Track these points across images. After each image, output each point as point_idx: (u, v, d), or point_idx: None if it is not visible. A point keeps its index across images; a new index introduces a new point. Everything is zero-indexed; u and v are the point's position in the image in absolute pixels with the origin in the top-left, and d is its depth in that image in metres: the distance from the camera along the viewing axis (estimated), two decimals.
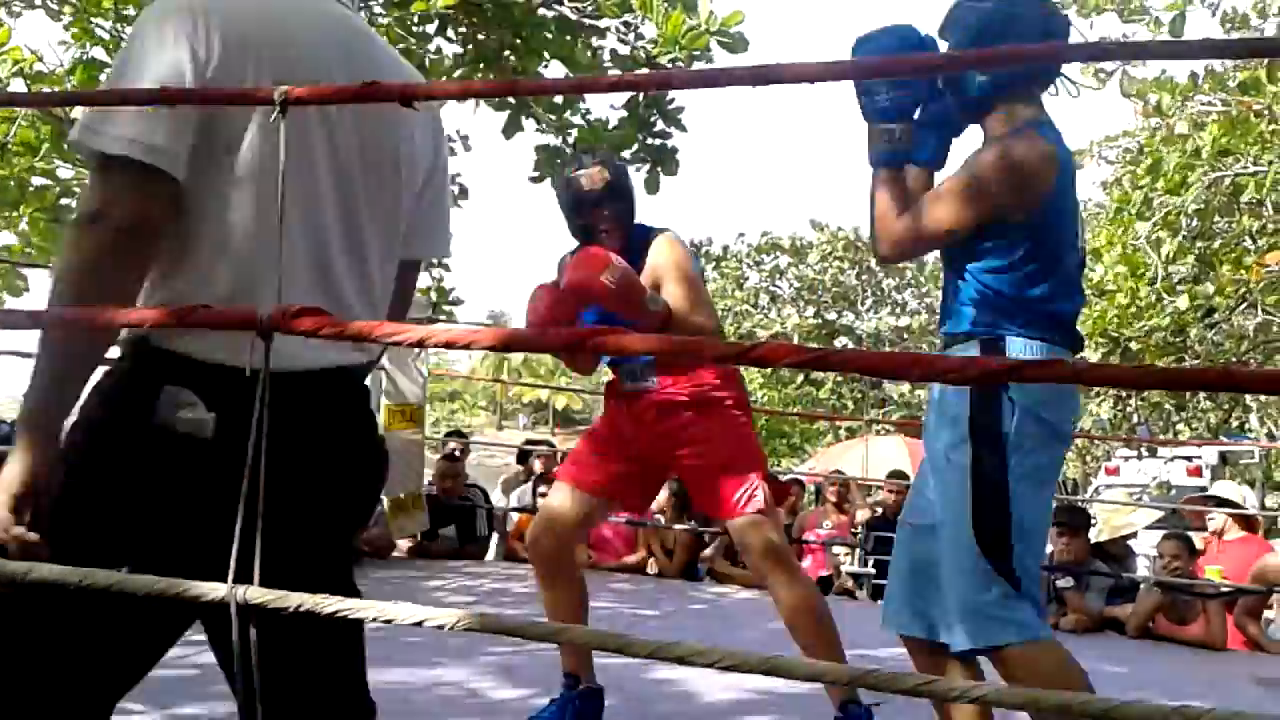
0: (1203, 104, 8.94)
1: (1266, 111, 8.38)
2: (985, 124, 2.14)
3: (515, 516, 6.70)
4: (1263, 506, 9.39)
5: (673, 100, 6.77)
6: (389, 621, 1.07)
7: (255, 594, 1.16)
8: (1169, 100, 8.73)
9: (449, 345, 1.03)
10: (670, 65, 6.21)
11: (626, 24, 6.67)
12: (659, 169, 6.85)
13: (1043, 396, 1.99)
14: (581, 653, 2.92)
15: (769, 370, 22.10)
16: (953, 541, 2.03)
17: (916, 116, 2.13)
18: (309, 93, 1.15)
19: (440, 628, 1.04)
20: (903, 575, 2.24)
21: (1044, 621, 2.09)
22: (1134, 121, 10.17)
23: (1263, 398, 11.49)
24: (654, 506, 6.81)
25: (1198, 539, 5.74)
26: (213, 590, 1.21)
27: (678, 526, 6.36)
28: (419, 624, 1.05)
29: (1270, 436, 10.79)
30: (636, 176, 6.90)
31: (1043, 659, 2.00)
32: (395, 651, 3.52)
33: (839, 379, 25.56)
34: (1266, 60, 8.13)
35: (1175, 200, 8.78)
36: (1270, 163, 8.50)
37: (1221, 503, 6.09)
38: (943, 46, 2.11)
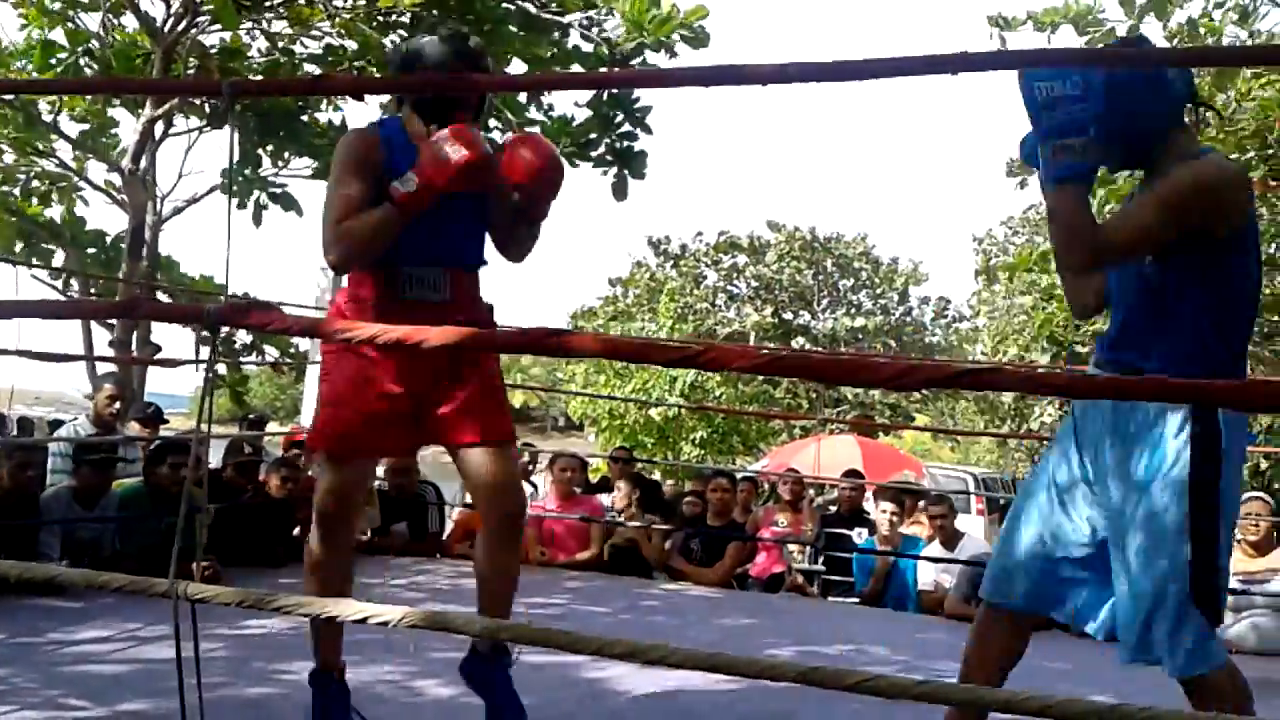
0: None
1: (1216, 119, 8.52)
2: (1156, 164, 2.23)
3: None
4: None
5: (638, 99, 6.76)
6: (334, 618, 1.07)
7: (197, 589, 1.15)
8: None
9: (400, 344, 1.03)
10: (635, 52, 6.20)
11: (590, 19, 6.66)
12: (626, 172, 6.83)
13: (1232, 441, 2.13)
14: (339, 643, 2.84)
15: None
16: (1157, 559, 2.12)
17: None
18: (257, 85, 1.13)
19: (385, 624, 1.04)
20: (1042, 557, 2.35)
21: (1222, 650, 2.22)
22: None
23: None
24: (610, 503, 6.83)
25: None
26: (155, 585, 1.19)
27: (633, 524, 6.36)
28: (363, 621, 1.05)
29: None
30: (603, 180, 6.89)
31: (1226, 682, 2.15)
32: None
33: (793, 378, 25.70)
34: (1214, 70, 8.28)
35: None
36: None
37: None
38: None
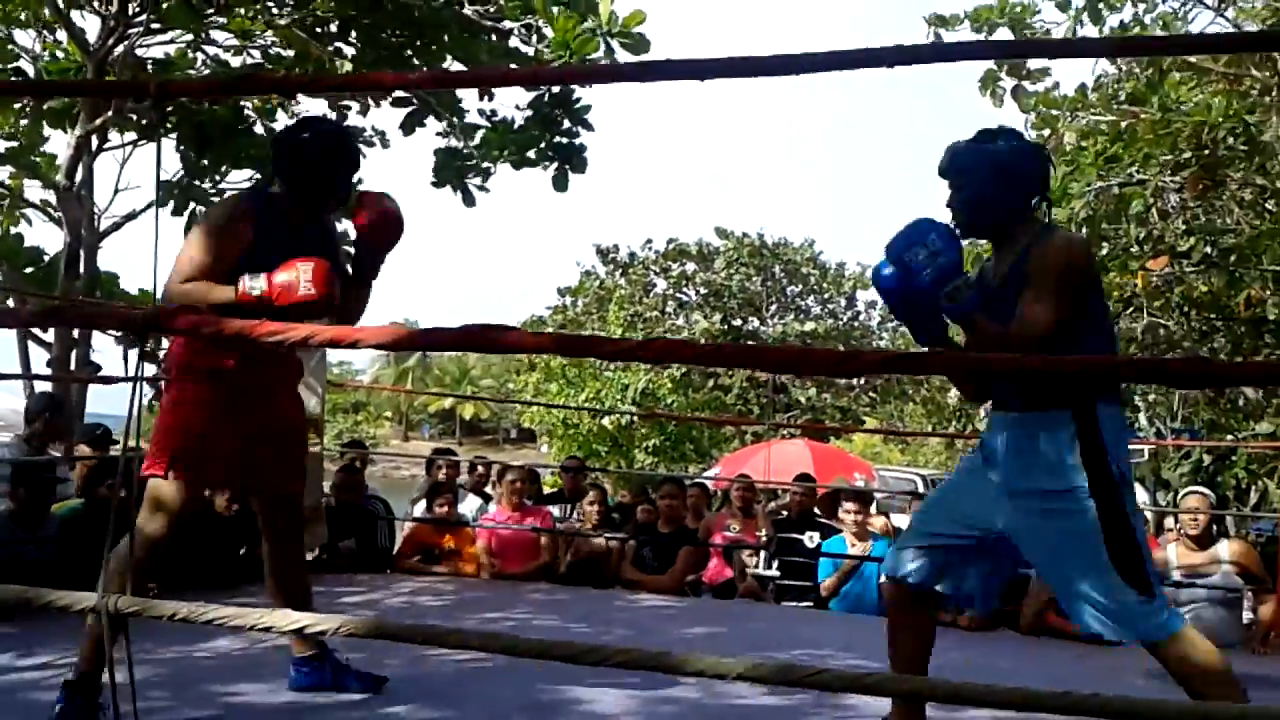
0: (1093, 113, 9.23)
1: (1154, 122, 8.68)
2: (1009, 240, 2.73)
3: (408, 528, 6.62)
4: (1153, 503, 9.69)
5: (579, 99, 6.74)
6: (268, 629, 1.04)
7: (126, 603, 1.12)
8: (1058, 112, 9.00)
9: (333, 344, 1.01)
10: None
11: (528, 26, 6.64)
12: (567, 167, 6.81)
13: (1110, 415, 2.57)
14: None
15: (679, 375, 22.23)
16: (1085, 564, 2.51)
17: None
18: (183, 85, 1.10)
19: (323, 634, 1.01)
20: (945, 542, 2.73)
21: (1176, 615, 2.60)
22: (1027, 135, 10.46)
23: (1151, 396, 11.91)
24: (574, 513, 6.81)
25: None
26: (82, 600, 1.16)
27: (589, 534, 6.34)
28: (298, 631, 1.02)
29: (1159, 435, 11.15)
30: (543, 175, 6.87)
31: (1188, 644, 2.52)
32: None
33: (745, 384, 25.82)
34: (1151, 70, 8.44)
35: (1060, 211, 9.04)
36: (1155, 172, 8.81)
37: None
38: (944, 188, 2.75)
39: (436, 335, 1.00)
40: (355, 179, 3.18)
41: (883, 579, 2.86)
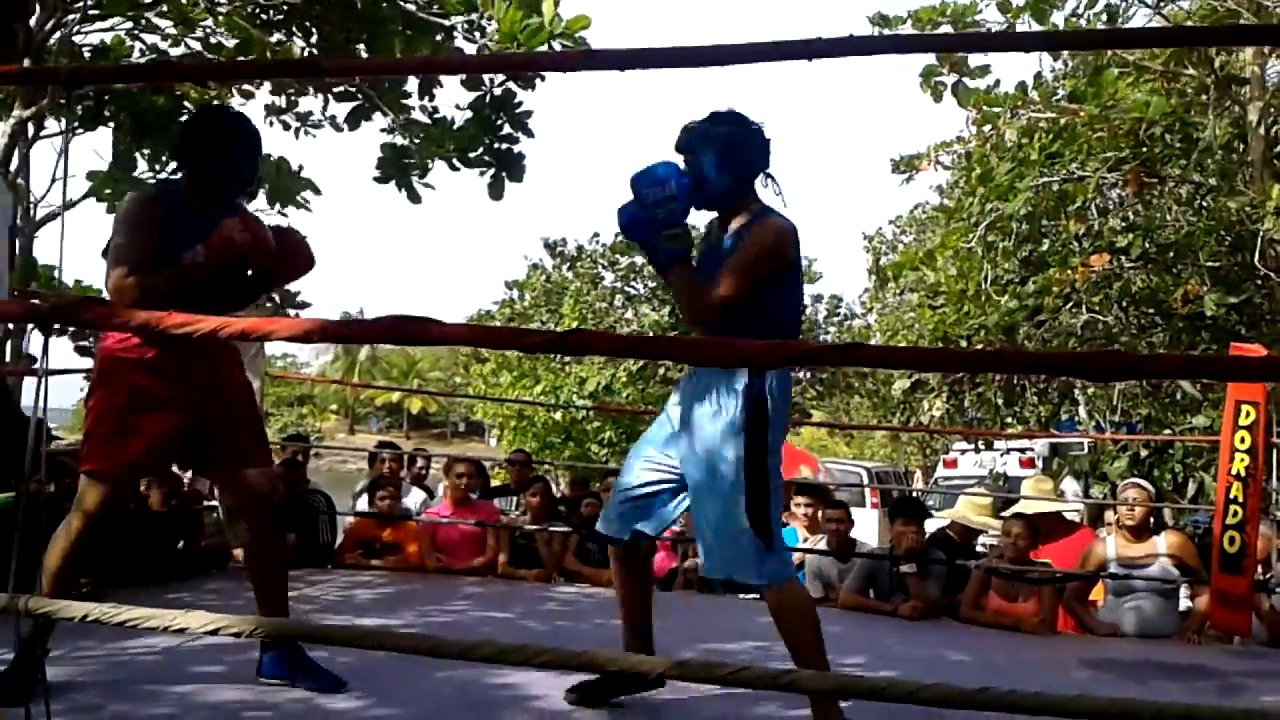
0: (1034, 109, 9.34)
1: (1092, 120, 8.80)
2: (730, 213, 3.02)
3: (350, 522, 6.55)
4: (1086, 496, 9.83)
5: (520, 104, 6.71)
6: (182, 631, 1.01)
7: (38, 604, 1.08)
8: (998, 110, 9.10)
9: (244, 335, 0.98)
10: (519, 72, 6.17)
11: (471, 22, 6.59)
12: (504, 174, 6.79)
13: (781, 385, 2.92)
14: None
15: (635, 368, 22.19)
16: (724, 503, 2.86)
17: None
18: (93, 70, 1.07)
19: (238, 635, 0.98)
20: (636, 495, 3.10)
21: (789, 569, 3.07)
22: (967, 129, 10.56)
23: (1090, 390, 12.08)
24: (520, 505, 6.76)
25: None
26: None
27: (532, 526, 6.30)
28: (214, 632, 1.00)
29: (1098, 428, 11.32)
30: (479, 181, 6.85)
31: (793, 596, 2.96)
32: (236, 667, 3.37)
33: None
34: (1094, 59, 8.55)
35: (1005, 206, 9.15)
36: (1095, 169, 8.94)
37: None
38: (680, 161, 2.97)
39: (354, 327, 0.98)
40: (256, 164, 3.28)
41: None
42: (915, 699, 0.88)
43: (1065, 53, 9.71)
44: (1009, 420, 11.08)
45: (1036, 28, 8.50)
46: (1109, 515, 7.08)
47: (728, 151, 2.96)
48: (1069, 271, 9.17)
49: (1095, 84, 8.53)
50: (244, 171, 3.17)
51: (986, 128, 9.48)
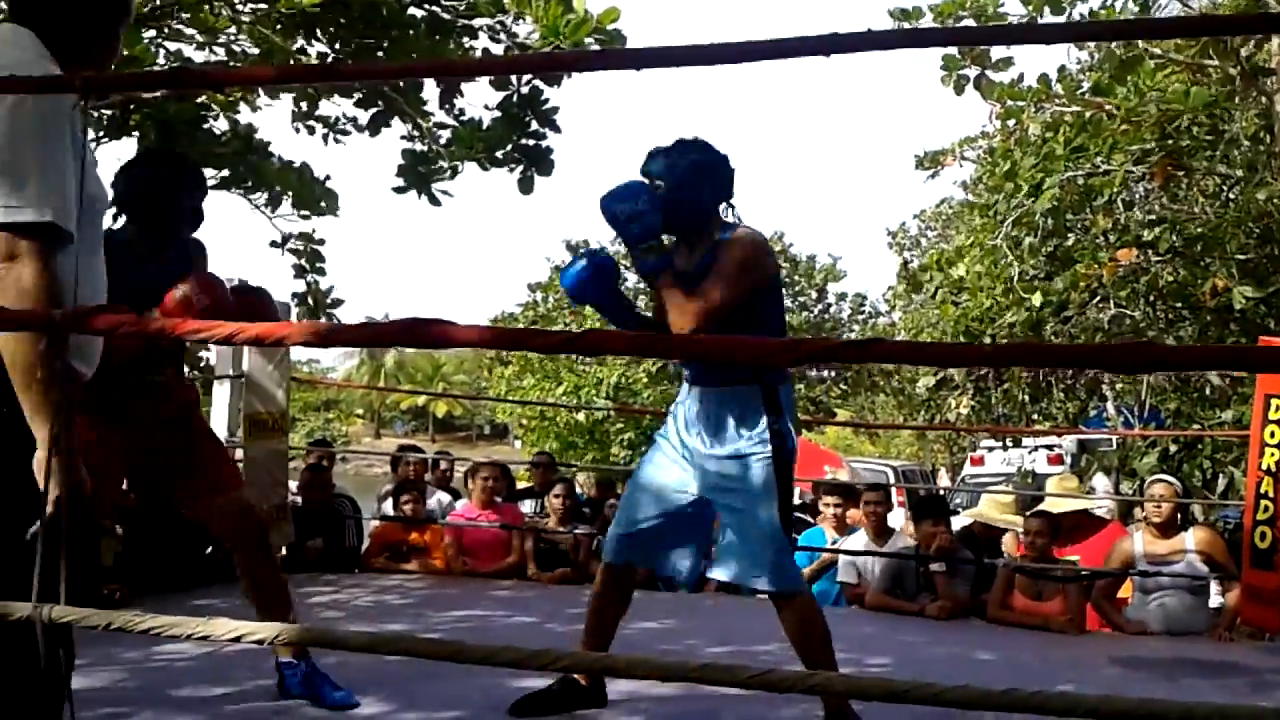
0: (1058, 104, 9.27)
1: (1117, 112, 8.72)
2: (696, 235, 3.09)
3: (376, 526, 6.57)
4: (1117, 492, 9.76)
5: (547, 100, 6.70)
6: (205, 638, 1.01)
7: (60, 612, 1.09)
8: (1022, 104, 9.03)
9: (258, 340, 0.98)
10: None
11: (500, 24, 6.58)
12: (533, 170, 6.79)
13: (788, 393, 3.06)
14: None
15: (654, 369, 22.17)
16: (760, 514, 2.94)
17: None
18: (111, 78, 1.08)
19: (260, 643, 0.98)
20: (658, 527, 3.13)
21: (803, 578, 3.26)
22: (991, 124, 10.50)
23: (1119, 386, 11.98)
24: (543, 507, 6.76)
25: None
26: (17, 610, 1.13)
27: (556, 528, 6.30)
28: (237, 639, 1.00)
29: (1126, 424, 11.24)
30: (504, 185, 6.86)
31: (807, 605, 3.06)
32: (268, 673, 3.38)
33: None
34: (1124, 51, 8.46)
35: (1030, 202, 9.08)
36: (1121, 163, 8.85)
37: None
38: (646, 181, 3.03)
39: (367, 331, 0.98)
40: (203, 194, 3.17)
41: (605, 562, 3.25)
42: (940, 700, 0.87)
43: (1090, 45, 9.63)
44: (1036, 417, 11.01)
45: (1056, 20, 8.42)
46: (1139, 511, 7.02)
47: (697, 176, 3.05)
48: (1096, 266, 9.10)
49: (1134, 74, 8.41)
50: (191, 205, 3.10)
51: (1010, 122, 9.41)
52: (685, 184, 3.03)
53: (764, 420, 2.96)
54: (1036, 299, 9.12)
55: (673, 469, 3.12)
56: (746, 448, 2.97)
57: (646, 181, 3.03)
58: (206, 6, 6.76)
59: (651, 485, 3.17)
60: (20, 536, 1.35)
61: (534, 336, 1.01)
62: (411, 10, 6.65)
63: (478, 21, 6.65)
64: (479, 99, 6.76)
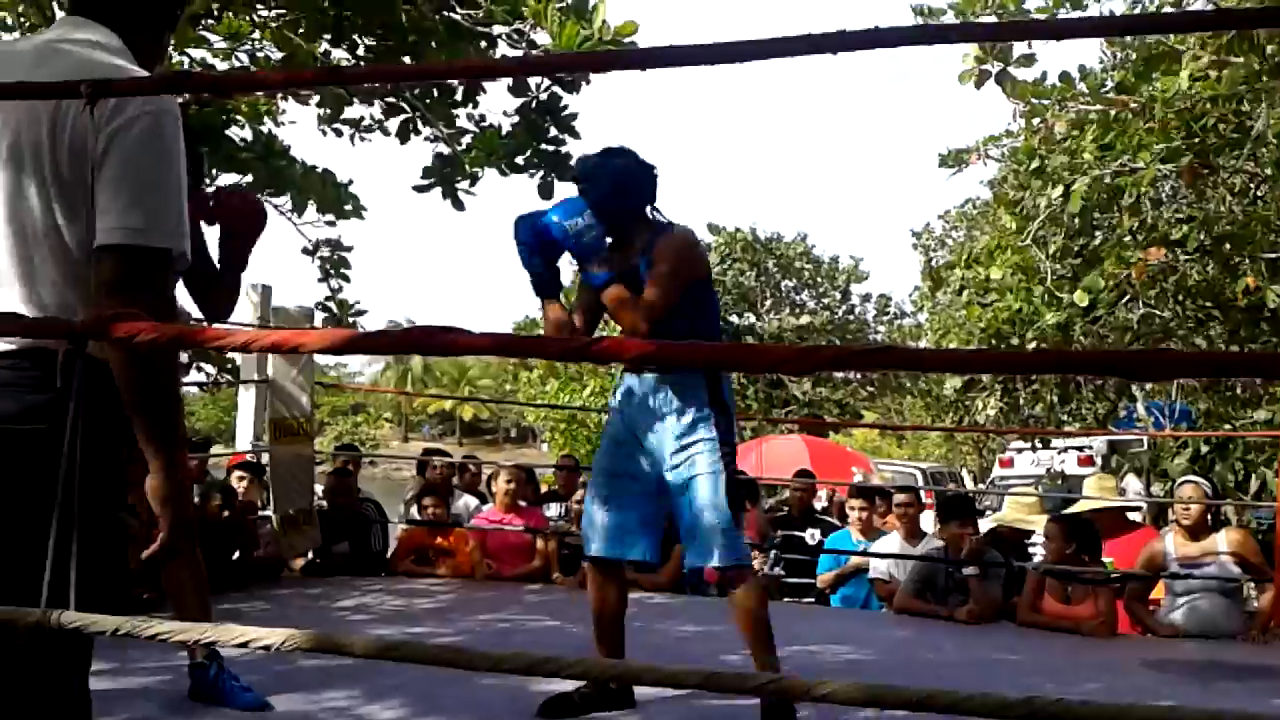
0: (1082, 101, 9.17)
1: (1143, 110, 8.62)
2: (628, 236, 3.24)
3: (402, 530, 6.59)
4: (1148, 493, 9.66)
5: (566, 106, 6.72)
6: (213, 644, 1.01)
7: (71, 618, 1.09)
8: (1047, 103, 8.93)
9: (275, 348, 0.98)
10: (564, 76, 6.18)
11: (518, 31, 6.60)
12: (553, 175, 6.81)
13: (727, 378, 3.23)
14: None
15: None
16: (707, 494, 3.07)
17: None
18: (116, 83, 1.08)
19: (268, 649, 0.98)
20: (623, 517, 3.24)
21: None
22: (1015, 122, 10.39)
23: (1149, 386, 11.86)
24: (566, 509, 6.76)
25: None
26: (28, 615, 1.13)
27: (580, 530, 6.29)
28: (244, 645, 0.99)
29: (1156, 425, 11.12)
30: (526, 191, 6.89)
31: (754, 579, 3.23)
32: (288, 677, 3.39)
33: (743, 380, 25.72)
34: (1156, 45, 8.35)
35: (1061, 201, 8.97)
36: (1148, 162, 8.75)
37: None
38: (573, 192, 3.23)
39: (380, 338, 0.98)
40: (204, 178, 3.23)
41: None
42: (959, 709, 0.85)
43: (1116, 40, 9.53)
44: (1065, 418, 10.90)
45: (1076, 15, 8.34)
46: (1171, 513, 6.94)
47: (625, 180, 3.22)
48: (1123, 266, 9.00)
49: (1171, 72, 8.31)
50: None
51: (1035, 120, 9.32)
52: (616, 186, 3.20)
53: (708, 404, 3.12)
54: (1079, 296, 9.00)
55: (621, 456, 3.28)
56: (691, 431, 3.12)
57: (584, 199, 3.15)
58: (229, 13, 6.81)
59: (604, 474, 3.32)
60: (91, 547, 1.36)
61: (544, 344, 1.00)
62: (428, 18, 6.68)
63: (496, 29, 6.67)
64: (499, 106, 6.80)
